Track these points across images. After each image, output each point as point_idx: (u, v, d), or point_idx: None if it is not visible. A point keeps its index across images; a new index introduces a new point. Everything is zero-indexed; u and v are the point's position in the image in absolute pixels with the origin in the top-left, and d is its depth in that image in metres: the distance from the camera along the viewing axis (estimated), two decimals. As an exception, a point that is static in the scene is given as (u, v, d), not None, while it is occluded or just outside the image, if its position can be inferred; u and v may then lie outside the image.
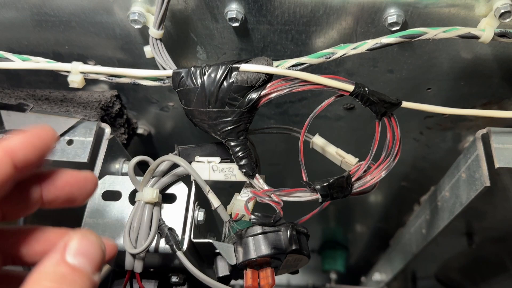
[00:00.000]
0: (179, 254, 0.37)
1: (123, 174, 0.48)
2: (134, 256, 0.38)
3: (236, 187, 0.42)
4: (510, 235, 0.69)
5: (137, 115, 0.57)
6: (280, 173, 0.70)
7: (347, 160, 0.43)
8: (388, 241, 0.87)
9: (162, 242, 0.39)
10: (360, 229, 0.95)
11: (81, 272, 0.24)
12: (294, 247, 0.40)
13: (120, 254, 0.41)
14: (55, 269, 0.23)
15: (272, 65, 0.38)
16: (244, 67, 0.37)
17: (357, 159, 0.42)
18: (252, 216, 0.37)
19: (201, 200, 0.43)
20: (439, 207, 0.55)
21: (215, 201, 0.38)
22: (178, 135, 0.61)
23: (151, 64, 0.45)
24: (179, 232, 0.40)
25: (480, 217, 0.63)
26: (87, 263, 0.24)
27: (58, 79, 0.51)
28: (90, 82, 0.51)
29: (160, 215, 0.40)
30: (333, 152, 0.44)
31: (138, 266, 0.38)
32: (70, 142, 0.44)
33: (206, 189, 0.38)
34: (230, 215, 0.41)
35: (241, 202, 0.41)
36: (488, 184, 0.43)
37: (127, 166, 0.48)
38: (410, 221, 0.69)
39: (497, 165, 0.42)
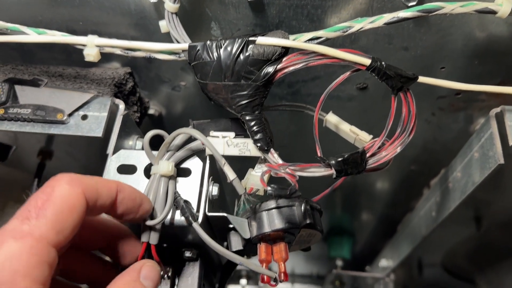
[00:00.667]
0: (195, 225, 0.38)
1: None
2: (150, 228, 0.38)
3: (244, 170, 0.42)
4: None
5: (149, 94, 0.57)
6: (289, 156, 0.70)
7: (361, 137, 0.43)
8: (395, 227, 0.87)
9: (178, 215, 0.39)
10: (367, 216, 0.95)
11: None
12: (308, 221, 0.40)
13: (135, 228, 0.42)
14: (132, 284, 0.33)
15: (288, 39, 0.38)
16: (260, 40, 0.37)
17: (371, 136, 0.42)
18: (269, 188, 0.37)
19: (214, 176, 0.44)
20: (450, 188, 0.55)
21: (231, 174, 0.38)
22: (189, 116, 0.60)
23: (165, 41, 0.45)
24: (194, 205, 0.40)
25: (489, 200, 0.63)
26: (151, 286, 0.34)
27: (71, 56, 0.51)
28: (103, 60, 0.51)
29: (175, 188, 0.40)
30: (347, 129, 0.44)
31: (153, 238, 0.38)
32: (84, 117, 0.44)
33: (222, 161, 0.38)
34: (245, 189, 0.41)
35: (255, 177, 0.42)
36: (502, 161, 0.43)
37: (141, 143, 0.49)
38: (420, 204, 0.69)
39: (511, 143, 0.42)
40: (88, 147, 0.54)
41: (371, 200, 0.87)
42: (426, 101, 0.53)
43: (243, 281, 1.05)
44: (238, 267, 1.09)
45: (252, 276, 1.07)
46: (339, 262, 1.04)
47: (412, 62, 0.47)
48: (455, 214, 0.57)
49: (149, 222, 0.37)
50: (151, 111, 0.59)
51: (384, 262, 0.90)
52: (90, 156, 0.57)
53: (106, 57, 0.51)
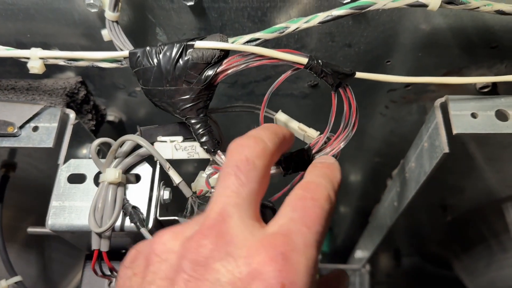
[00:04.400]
0: (143, 231, 0.38)
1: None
2: (99, 235, 0.39)
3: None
4: (483, 204, 0.70)
5: (106, 102, 0.58)
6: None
7: (309, 134, 0.44)
8: (368, 219, 0.88)
9: (128, 221, 0.40)
10: (343, 209, 0.97)
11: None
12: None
13: (89, 236, 0.42)
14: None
15: (227, 41, 0.39)
16: (198, 44, 0.38)
17: (318, 132, 0.43)
18: (213, 189, 0.38)
19: (168, 180, 0.44)
20: (407, 178, 0.56)
21: (176, 178, 0.39)
22: (150, 120, 0.61)
23: (114, 49, 0.45)
24: (144, 210, 0.40)
25: (450, 188, 0.64)
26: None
27: (24, 69, 0.51)
28: (56, 71, 0.52)
29: (125, 195, 0.41)
30: (296, 127, 0.45)
31: (104, 245, 0.39)
32: (35, 128, 0.45)
33: (166, 166, 0.39)
34: (195, 192, 0.42)
35: (204, 179, 0.42)
36: (447, 150, 0.44)
37: (95, 151, 0.49)
38: (384, 195, 0.70)
39: (455, 132, 0.43)
40: (48, 158, 0.54)
41: (344, 194, 0.88)
42: (377, 94, 0.54)
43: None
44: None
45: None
46: (319, 256, 1.05)
47: (357, 58, 0.48)
48: (416, 202, 0.57)
49: (98, 230, 0.38)
50: (110, 118, 0.59)
51: (360, 253, 0.91)
52: (52, 166, 0.57)
53: (59, 68, 0.52)
